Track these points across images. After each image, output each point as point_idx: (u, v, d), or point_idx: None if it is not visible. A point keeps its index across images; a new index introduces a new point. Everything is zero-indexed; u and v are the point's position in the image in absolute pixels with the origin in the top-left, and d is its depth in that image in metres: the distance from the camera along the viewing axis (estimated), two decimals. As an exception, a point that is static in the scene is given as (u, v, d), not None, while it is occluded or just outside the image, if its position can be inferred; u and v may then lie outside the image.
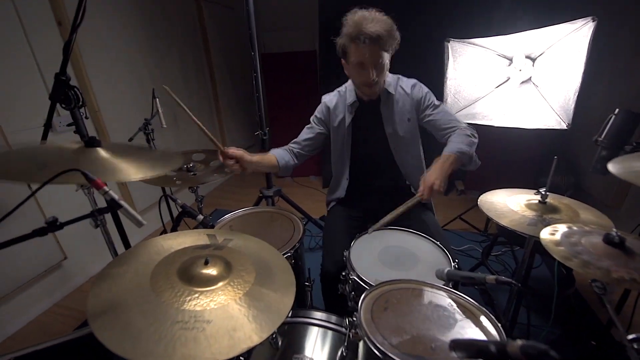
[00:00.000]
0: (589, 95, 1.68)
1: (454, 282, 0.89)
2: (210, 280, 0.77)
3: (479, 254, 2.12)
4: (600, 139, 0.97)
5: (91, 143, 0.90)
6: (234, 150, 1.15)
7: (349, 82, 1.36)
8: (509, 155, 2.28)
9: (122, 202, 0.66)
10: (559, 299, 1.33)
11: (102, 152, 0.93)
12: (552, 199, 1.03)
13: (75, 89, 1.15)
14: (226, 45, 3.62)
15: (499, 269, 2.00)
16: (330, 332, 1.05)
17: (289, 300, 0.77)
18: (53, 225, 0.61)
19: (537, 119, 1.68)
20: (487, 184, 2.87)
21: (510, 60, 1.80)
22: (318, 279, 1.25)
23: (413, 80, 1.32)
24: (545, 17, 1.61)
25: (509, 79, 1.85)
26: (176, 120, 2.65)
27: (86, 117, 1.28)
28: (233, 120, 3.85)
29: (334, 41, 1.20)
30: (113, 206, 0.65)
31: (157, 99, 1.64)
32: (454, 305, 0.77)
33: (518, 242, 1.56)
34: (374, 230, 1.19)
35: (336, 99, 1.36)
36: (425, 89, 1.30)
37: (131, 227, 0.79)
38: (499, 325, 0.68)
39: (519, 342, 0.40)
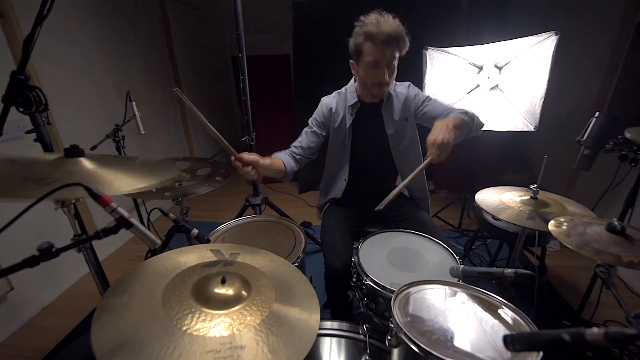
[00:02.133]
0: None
1: (468, 278, 0.91)
2: (231, 300, 0.70)
3: (455, 249, 2.23)
4: (583, 139, 1.08)
5: (72, 153, 0.78)
6: (248, 156, 1.07)
7: (350, 83, 1.36)
8: (473, 156, 2.47)
9: (134, 221, 0.57)
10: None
11: (85, 163, 0.81)
12: (540, 195, 1.11)
13: (37, 90, 1.00)
14: (192, 47, 3.44)
15: (477, 261, 2.13)
16: (344, 341, 1.02)
17: (315, 314, 0.73)
18: (47, 253, 0.51)
19: (507, 122, 1.84)
20: (455, 184, 3.06)
21: (480, 68, 1.95)
22: (319, 285, 1.21)
23: (406, 82, 1.36)
24: (513, 30, 1.78)
25: (478, 85, 2.00)
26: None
27: (48, 123, 1.12)
28: (200, 126, 3.65)
29: (347, 40, 1.20)
30: (123, 225, 0.56)
31: (134, 103, 1.47)
32: (478, 301, 0.79)
33: (501, 236, 1.67)
34: (384, 205, 1.07)
35: (336, 101, 1.35)
36: (417, 89, 1.36)
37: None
38: (528, 318, 0.71)
39: (600, 329, 0.41)
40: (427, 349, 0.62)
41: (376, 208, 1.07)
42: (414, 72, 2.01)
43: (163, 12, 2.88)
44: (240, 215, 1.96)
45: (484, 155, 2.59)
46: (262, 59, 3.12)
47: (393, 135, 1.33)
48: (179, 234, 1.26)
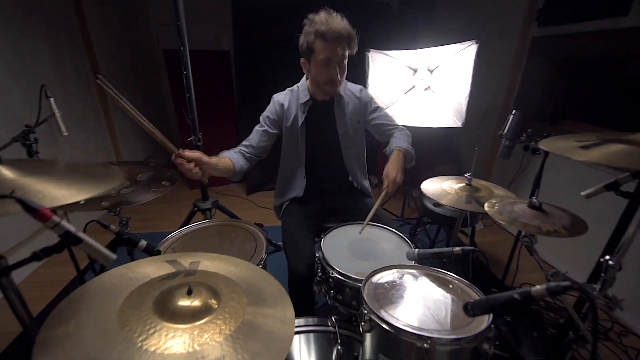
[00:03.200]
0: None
1: (424, 259, 1.00)
2: (200, 311, 0.65)
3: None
4: (504, 132, 1.28)
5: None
6: (190, 153, 1.01)
7: (302, 81, 1.36)
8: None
9: (83, 235, 0.49)
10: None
11: (4, 171, 0.66)
12: (473, 182, 1.28)
13: None
14: (114, 38, 3.04)
15: (419, 245, 2.35)
16: (312, 336, 1.03)
17: (289, 312, 0.72)
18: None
19: (439, 120, 2.06)
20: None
21: (415, 70, 2.15)
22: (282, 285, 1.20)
23: (359, 86, 1.42)
24: (439, 34, 2.00)
25: (414, 86, 2.19)
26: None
27: None
28: (129, 127, 3.25)
29: (297, 37, 1.19)
30: (69, 243, 0.48)
31: (52, 99, 1.24)
32: (435, 279, 0.88)
33: (439, 221, 1.87)
34: (362, 229, 1.22)
35: (288, 98, 1.34)
36: (370, 94, 1.42)
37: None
38: (477, 287, 0.82)
39: (542, 285, 0.50)
40: (400, 327, 0.67)
41: (360, 232, 1.18)
42: (354, 72, 2.12)
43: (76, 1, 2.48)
44: (188, 221, 1.81)
45: (419, 149, 2.86)
46: (199, 54, 2.91)
47: (344, 135, 1.38)
48: (120, 249, 1.12)
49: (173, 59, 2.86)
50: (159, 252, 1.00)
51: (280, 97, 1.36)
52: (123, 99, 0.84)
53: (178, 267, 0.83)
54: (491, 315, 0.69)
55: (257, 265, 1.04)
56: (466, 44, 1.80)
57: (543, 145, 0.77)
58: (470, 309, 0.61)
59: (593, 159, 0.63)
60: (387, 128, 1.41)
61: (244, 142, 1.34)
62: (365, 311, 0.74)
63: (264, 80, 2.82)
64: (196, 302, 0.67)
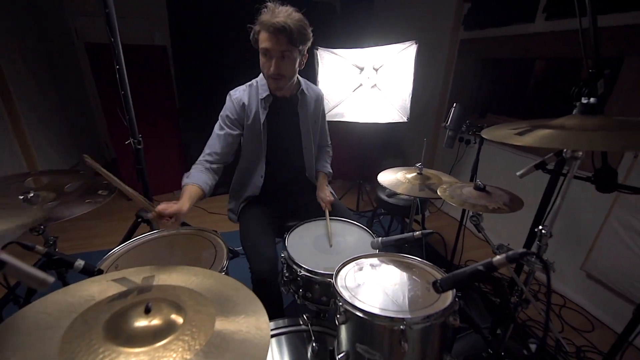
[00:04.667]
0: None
1: (387, 247, 1.05)
2: (162, 330, 0.59)
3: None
4: (447, 124, 1.40)
5: None
6: (169, 208, 0.98)
7: (260, 76, 1.29)
8: (359, 148, 2.82)
9: (7, 257, 0.40)
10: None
11: None
12: (424, 171, 1.38)
13: None
14: (19, 32, 2.58)
15: (376, 235, 2.46)
16: (284, 337, 1.01)
17: (263, 317, 0.69)
18: None
19: (386, 116, 2.17)
20: (348, 173, 3.44)
21: (361, 69, 2.23)
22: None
23: (318, 88, 1.43)
24: (384, 37, 2.10)
25: (361, 84, 2.28)
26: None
27: None
28: (44, 132, 2.78)
29: (250, 28, 1.13)
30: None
31: None
32: (400, 264, 0.92)
33: (393, 211, 1.98)
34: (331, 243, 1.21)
35: (247, 94, 1.27)
36: (325, 102, 1.47)
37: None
38: (439, 267, 0.87)
39: (502, 255, 0.55)
40: (376, 312, 0.69)
41: (330, 246, 1.17)
42: (304, 69, 2.14)
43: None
44: (130, 235, 1.61)
45: (367, 145, 2.99)
46: (131, 49, 2.63)
47: (306, 134, 1.38)
48: (49, 272, 0.95)
49: (98, 53, 2.53)
50: (100, 272, 0.87)
51: (239, 94, 1.28)
52: (107, 173, 0.75)
53: (128, 284, 0.73)
54: (455, 290, 0.75)
55: (220, 272, 0.98)
56: (407, 44, 1.93)
57: (485, 134, 0.86)
58: (440, 286, 0.65)
59: (528, 143, 0.71)
60: (322, 140, 1.56)
61: (207, 151, 1.24)
62: (340, 303, 0.74)
63: (206, 76, 2.66)
64: (156, 321, 0.60)
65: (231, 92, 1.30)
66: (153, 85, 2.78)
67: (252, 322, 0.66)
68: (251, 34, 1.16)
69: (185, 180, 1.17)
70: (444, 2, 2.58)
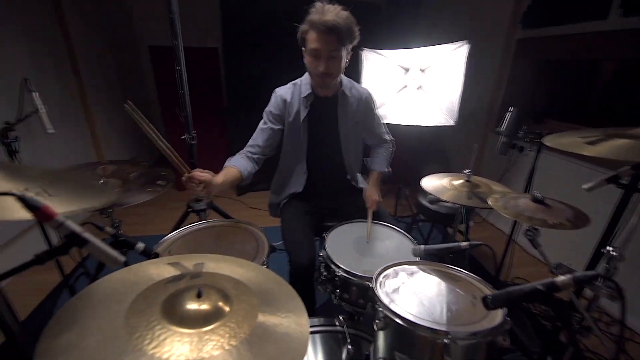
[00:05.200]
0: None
1: (429, 256, 1.01)
2: (211, 315, 0.62)
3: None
4: (502, 129, 1.31)
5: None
6: (200, 174, 1.02)
7: (305, 75, 1.33)
8: (401, 151, 2.74)
9: (89, 236, 0.45)
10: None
11: None
12: (472, 178, 1.30)
13: None
14: (94, 35, 2.90)
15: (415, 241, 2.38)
16: (319, 336, 1.01)
17: (302, 313, 0.70)
18: None
19: (431, 118, 2.09)
20: (387, 176, 3.35)
21: (407, 70, 2.17)
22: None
23: (365, 88, 1.41)
24: (429, 38, 2.03)
25: (406, 86, 2.22)
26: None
27: None
28: (111, 126, 3.11)
29: (294, 32, 1.16)
30: (74, 243, 0.44)
31: (36, 94, 1.15)
32: (444, 275, 0.88)
33: (434, 218, 1.90)
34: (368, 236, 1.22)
35: (291, 92, 1.31)
36: (374, 99, 1.43)
37: None
38: (486, 282, 0.82)
39: (567, 275, 0.50)
40: (418, 322, 0.67)
41: (367, 242, 1.19)
42: (349, 69, 2.14)
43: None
44: (181, 223, 1.74)
45: (408, 148, 2.90)
46: (186, 50, 2.84)
47: (345, 136, 1.37)
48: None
49: (160, 55, 2.76)
50: (157, 255, 0.95)
51: (283, 91, 1.32)
52: (148, 125, 0.82)
53: (182, 269, 0.79)
54: (506, 309, 0.70)
55: (262, 265, 1.01)
56: (458, 44, 1.84)
57: (548, 141, 0.79)
58: (490, 302, 0.61)
59: (602, 154, 0.64)
60: (377, 138, 1.52)
61: (250, 143, 1.31)
62: (380, 309, 0.73)
63: (253, 77, 2.77)
64: (206, 306, 0.64)
65: (277, 89, 1.34)
66: (204, 85, 2.97)
67: (292, 317, 0.67)
68: (298, 34, 1.17)
69: (226, 163, 1.24)
70: (499, -1, 2.42)
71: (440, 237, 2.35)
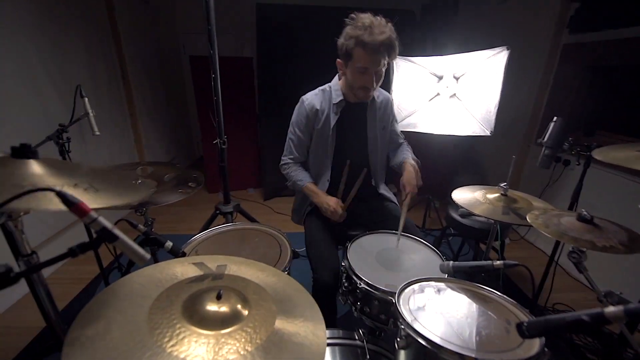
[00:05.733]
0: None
1: (458, 272, 0.94)
2: (229, 318, 0.62)
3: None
4: (545, 140, 1.21)
5: (22, 152, 0.63)
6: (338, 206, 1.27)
7: (334, 81, 1.33)
8: (432, 161, 2.64)
9: (118, 232, 0.48)
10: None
11: (36, 167, 0.65)
12: (509, 192, 1.21)
13: None
14: (143, 44, 3.16)
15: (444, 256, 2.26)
16: (338, 349, 0.98)
17: (320, 324, 0.68)
18: (4, 279, 0.39)
19: (465, 128, 2.00)
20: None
21: (440, 78, 2.10)
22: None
23: (386, 92, 1.40)
24: (465, 44, 1.95)
25: (438, 94, 2.14)
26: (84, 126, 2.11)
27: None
28: (152, 129, 3.33)
29: (336, 40, 1.17)
30: (104, 239, 0.46)
31: (87, 99, 1.27)
32: (473, 295, 0.82)
33: (466, 233, 1.79)
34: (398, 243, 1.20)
35: (320, 99, 1.31)
36: (394, 104, 1.43)
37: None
38: (522, 306, 0.75)
39: (619, 306, 0.44)
40: (444, 345, 0.62)
41: (396, 246, 1.19)
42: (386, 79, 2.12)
43: (108, 2, 2.59)
44: (209, 224, 1.80)
45: (440, 158, 2.78)
46: (223, 60, 2.98)
47: (373, 140, 1.36)
48: (145, 248, 1.12)
49: (199, 64, 2.92)
50: (184, 254, 0.98)
51: (311, 99, 1.32)
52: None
53: (205, 269, 0.81)
54: (544, 338, 0.63)
55: (283, 271, 1.01)
56: (497, 50, 1.75)
57: (598, 155, 0.71)
58: (526, 330, 0.56)
59: (663, 169, 0.56)
60: (395, 141, 1.51)
61: (287, 154, 1.41)
62: (402, 326, 0.69)
63: (285, 86, 2.84)
64: (225, 308, 0.64)
65: (303, 97, 1.34)
66: (238, 92, 3.10)
67: (309, 327, 0.66)
68: (342, 48, 1.17)
69: (303, 182, 1.35)
70: (543, 3, 2.27)
71: (471, 254, 2.22)
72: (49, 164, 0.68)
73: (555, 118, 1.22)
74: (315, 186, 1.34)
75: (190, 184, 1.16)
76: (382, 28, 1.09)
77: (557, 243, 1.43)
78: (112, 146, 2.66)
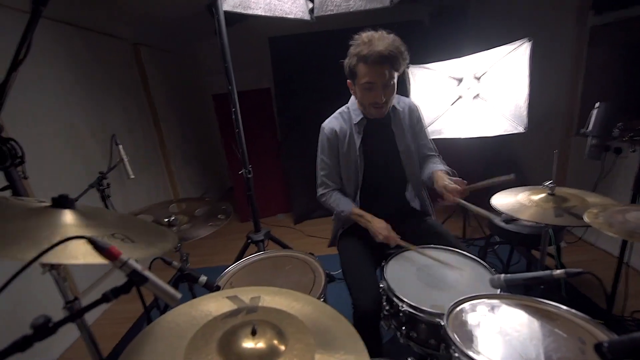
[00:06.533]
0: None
1: (512, 286, 0.85)
2: (266, 354, 0.59)
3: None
4: (589, 130, 1.10)
5: (62, 203, 0.67)
6: (390, 233, 1.19)
7: (350, 102, 1.31)
8: (464, 166, 2.50)
9: (149, 274, 0.47)
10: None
11: (71, 217, 0.68)
12: (556, 190, 1.09)
13: (13, 142, 0.91)
14: (170, 89, 3.42)
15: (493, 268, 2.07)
16: (387, 381, 0.91)
17: (363, 356, 0.63)
18: (43, 330, 0.40)
19: (495, 128, 1.89)
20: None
21: (460, 80, 2.03)
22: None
23: (409, 99, 1.35)
24: (481, 43, 1.89)
25: (460, 97, 2.07)
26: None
27: (25, 177, 1.01)
28: (184, 167, 3.53)
29: (341, 63, 1.17)
30: (136, 282, 0.46)
31: (121, 146, 1.37)
32: (535, 311, 0.72)
33: (512, 240, 1.64)
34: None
35: (339, 122, 1.29)
36: (420, 110, 1.36)
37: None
38: (597, 321, 0.64)
39: None
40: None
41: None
42: (402, 87, 2.08)
43: (137, 55, 2.86)
44: (242, 254, 1.81)
45: (471, 162, 2.64)
46: (244, 93, 3.13)
47: (405, 151, 1.30)
48: (182, 284, 1.13)
49: (221, 101, 3.10)
50: (218, 288, 0.98)
51: (331, 125, 1.29)
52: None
53: (239, 303, 0.79)
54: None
55: (319, 298, 0.97)
56: (517, 43, 1.66)
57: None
58: (607, 351, 0.47)
59: None
60: (425, 151, 1.39)
61: (327, 180, 1.35)
62: (456, 354, 0.62)
63: (302, 110, 2.91)
64: (261, 344, 0.61)
65: (323, 124, 1.32)
66: (260, 122, 3.22)
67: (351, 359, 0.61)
68: (346, 68, 1.16)
69: (345, 210, 1.28)
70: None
71: (523, 263, 2.01)
72: (84, 214, 0.71)
73: (597, 104, 1.10)
74: (360, 210, 1.26)
75: (219, 216, 1.18)
76: (381, 39, 1.06)
77: (625, 242, 1.26)
78: (150, 186, 2.84)
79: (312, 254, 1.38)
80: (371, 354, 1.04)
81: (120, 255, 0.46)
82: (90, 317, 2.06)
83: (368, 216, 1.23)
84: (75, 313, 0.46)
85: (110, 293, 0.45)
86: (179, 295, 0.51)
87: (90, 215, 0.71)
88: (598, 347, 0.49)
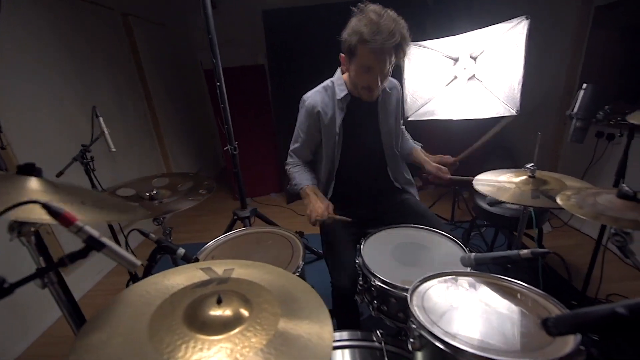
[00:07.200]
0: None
1: (480, 265, 0.86)
2: (230, 322, 0.61)
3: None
4: (574, 112, 1.08)
5: (27, 170, 0.67)
6: (325, 211, 1.18)
7: (336, 76, 1.26)
8: (456, 149, 2.48)
9: (106, 240, 0.48)
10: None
11: (36, 185, 0.67)
12: (537, 173, 1.09)
13: None
14: (162, 63, 3.33)
15: (475, 250, 2.11)
16: (358, 351, 0.94)
17: (327, 325, 0.64)
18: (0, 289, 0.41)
19: (488, 110, 1.86)
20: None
21: (455, 60, 1.98)
22: (324, 295, 1.13)
23: (394, 80, 1.30)
24: (478, 20, 1.82)
25: (456, 77, 2.02)
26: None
27: (2, 147, 1.00)
28: (177, 144, 3.50)
29: (339, 39, 1.10)
30: (92, 247, 0.46)
31: (101, 119, 1.35)
32: (499, 288, 0.74)
33: (497, 222, 1.66)
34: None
35: (321, 97, 1.25)
36: (409, 93, 1.34)
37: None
38: (554, 299, 0.66)
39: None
40: (459, 346, 0.56)
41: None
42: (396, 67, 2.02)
43: (127, 26, 2.77)
44: (229, 230, 1.84)
45: (463, 146, 2.62)
46: (237, 70, 3.05)
47: (387, 134, 1.28)
48: (164, 258, 1.15)
49: (212, 76, 3.02)
50: (196, 260, 1.00)
51: (313, 97, 1.26)
52: None
53: (211, 274, 0.81)
54: (578, 335, 0.55)
55: (294, 273, 0.99)
56: (514, 21, 1.60)
57: (633, 119, 0.61)
58: (552, 326, 0.48)
59: None
60: (399, 124, 1.41)
61: (292, 155, 1.36)
62: (414, 326, 0.64)
63: (296, 88, 2.84)
64: (227, 312, 0.63)
65: (304, 96, 1.28)
66: (254, 99, 3.16)
67: (315, 329, 0.63)
68: (346, 43, 1.08)
69: (301, 184, 1.27)
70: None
71: (507, 244, 2.05)
72: (52, 185, 0.71)
73: (584, 85, 1.08)
74: (313, 189, 1.24)
75: (201, 191, 1.18)
76: (390, 25, 0.98)
77: (604, 226, 1.28)
78: (142, 162, 2.83)
79: (302, 233, 1.40)
80: (348, 324, 1.07)
81: (76, 221, 0.46)
82: (82, 289, 2.12)
83: (313, 197, 1.20)
84: (37, 274, 0.47)
85: (66, 258, 0.45)
86: (138, 262, 0.52)
87: (61, 187, 0.72)
88: (544, 322, 0.51)
